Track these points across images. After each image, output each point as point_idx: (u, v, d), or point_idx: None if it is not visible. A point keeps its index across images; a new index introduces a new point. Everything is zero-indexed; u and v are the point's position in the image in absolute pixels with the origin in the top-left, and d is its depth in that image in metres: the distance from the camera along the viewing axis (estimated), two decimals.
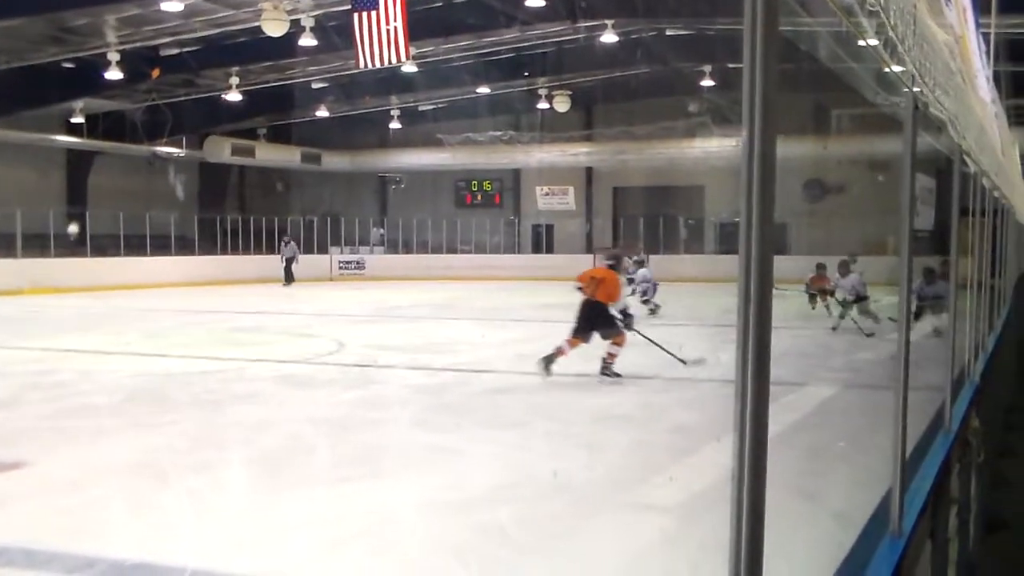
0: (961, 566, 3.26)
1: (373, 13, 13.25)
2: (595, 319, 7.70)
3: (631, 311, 7.90)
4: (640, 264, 14.59)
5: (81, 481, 4.70)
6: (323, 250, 27.34)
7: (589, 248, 26.39)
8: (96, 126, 22.79)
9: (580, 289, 7.91)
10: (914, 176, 2.33)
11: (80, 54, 17.83)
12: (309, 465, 5.15)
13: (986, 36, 6.17)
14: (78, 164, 23.77)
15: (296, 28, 15.52)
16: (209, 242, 25.38)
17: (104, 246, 22.22)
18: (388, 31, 13.31)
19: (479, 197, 29.62)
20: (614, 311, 7.70)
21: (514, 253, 28.24)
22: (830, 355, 10.01)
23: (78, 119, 22.10)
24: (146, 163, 24.52)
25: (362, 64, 13.90)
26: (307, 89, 22.47)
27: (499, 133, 25.87)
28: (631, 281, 13.61)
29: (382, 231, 29.49)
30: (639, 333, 7.85)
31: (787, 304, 12.68)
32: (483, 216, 28.59)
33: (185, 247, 24.42)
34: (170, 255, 23.46)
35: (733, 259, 1.11)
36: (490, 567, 3.55)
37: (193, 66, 19.17)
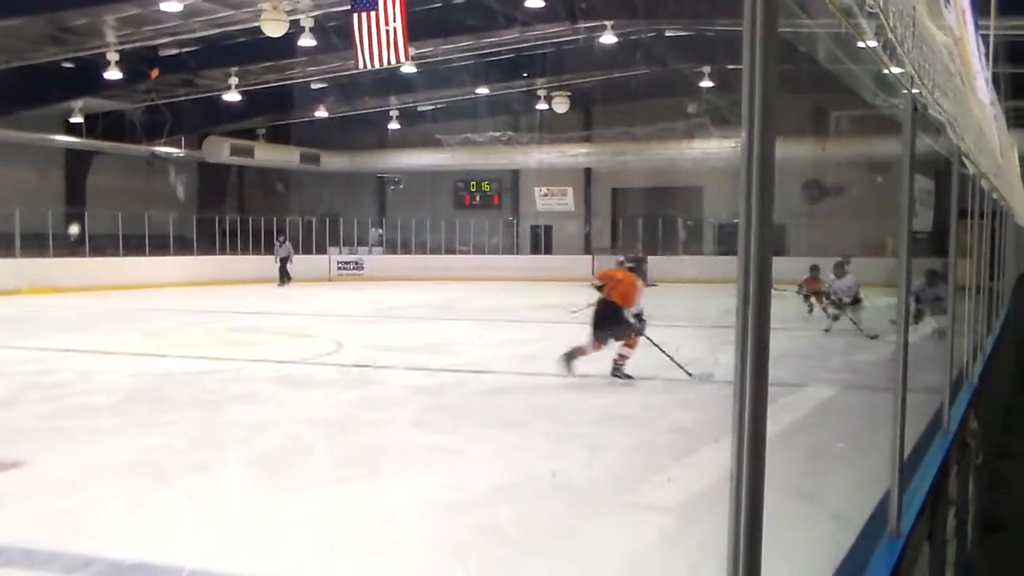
0: (959, 567, 3.27)
1: (372, 14, 13.25)
2: (607, 319, 7.72)
3: (645, 316, 7.84)
4: (622, 264, 14.52)
5: (80, 481, 4.69)
6: (322, 250, 27.33)
7: (588, 249, 26.40)
8: (95, 126, 22.78)
9: (598, 288, 7.91)
10: (913, 178, 2.33)
11: (79, 54, 17.83)
12: (308, 465, 5.15)
13: (985, 38, 6.18)
14: (77, 164, 23.76)
15: (295, 28, 15.52)
16: (208, 242, 25.37)
17: (103, 246, 22.21)
18: (387, 32, 13.31)
19: (478, 198, 29.62)
20: (628, 313, 7.69)
21: (513, 254, 28.24)
22: (829, 356, 10.01)
23: (77, 119, 22.09)
24: (145, 163, 24.50)
25: (361, 65, 13.90)
26: (306, 89, 22.46)
27: (498, 134, 25.87)
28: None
29: (381, 231, 29.49)
30: (649, 340, 7.79)
31: (786, 305, 12.68)
32: (482, 217, 28.59)
33: (184, 247, 24.41)
34: (169, 255, 23.45)
35: (732, 260, 1.12)
36: (489, 567, 3.55)
37: (192, 66, 19.17)
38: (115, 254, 22.28)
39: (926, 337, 7.25)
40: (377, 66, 14.09)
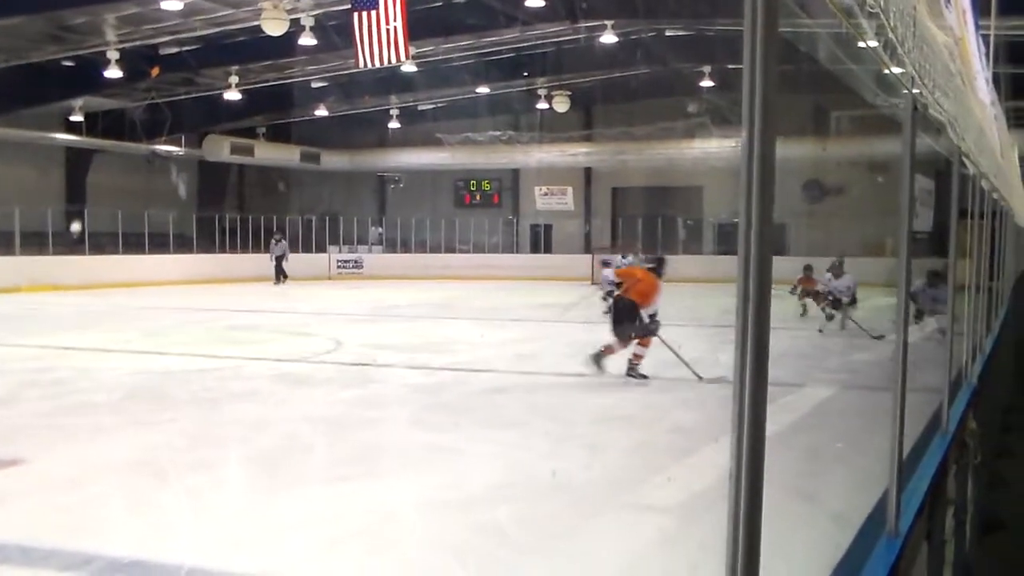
0: (957, 567, 3.27)
1: (373, 12, 13.24)
2: (623, 317, 7.73)
3: (659, 317, 7.83)
4: (606, 264, 14.51)
5: (79, 479, 4.69)
6: (321, 249, 27.33)
7: (588, 248, 26.39)
8: (95, 124, 22.77)
9: (617, 285, 7.92)
10: (913, 178, 2.33)
11: (80, 52, 17.81)
12: (307, 464, 5.15)
13: (986, 38, 6.18)
14: (77, 162, 23.75)
15: (296, 27, 15.51)
16: (208, 241, 25.37)
17: (103, 244, 22.20)
18: (388, 31, 13.31)
19: (478, 197, 29.61)
20: (644, 312, 7.69)
21: (513, 253, 28.23)
22: (828, 356, 10.01)
23: (77, 117, 22.08)
24: (145, 161, 24.49)
25: (362, 63, 13.89)
26: (306, 88, 22.45)
27: (498, 133, 25.86)
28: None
29: (381, 230, 29.49)
30: (662, 341, 7.76)
31: (785, 305, 12.69)
32: (482, 216, 28.59)
33: (184, 246, 24.40)
34: (169, 253, 23.44)
35: (732, 259, 1.12)
36: (489, 567, 3.56)
37: (192, 65, 19.17)
38: (115, 252, 22.28)
39: (925, 338, 7.25)
40: (377, 65, 14.08)
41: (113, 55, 17.39)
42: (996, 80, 7.61)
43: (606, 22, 17.78)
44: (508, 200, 29.44)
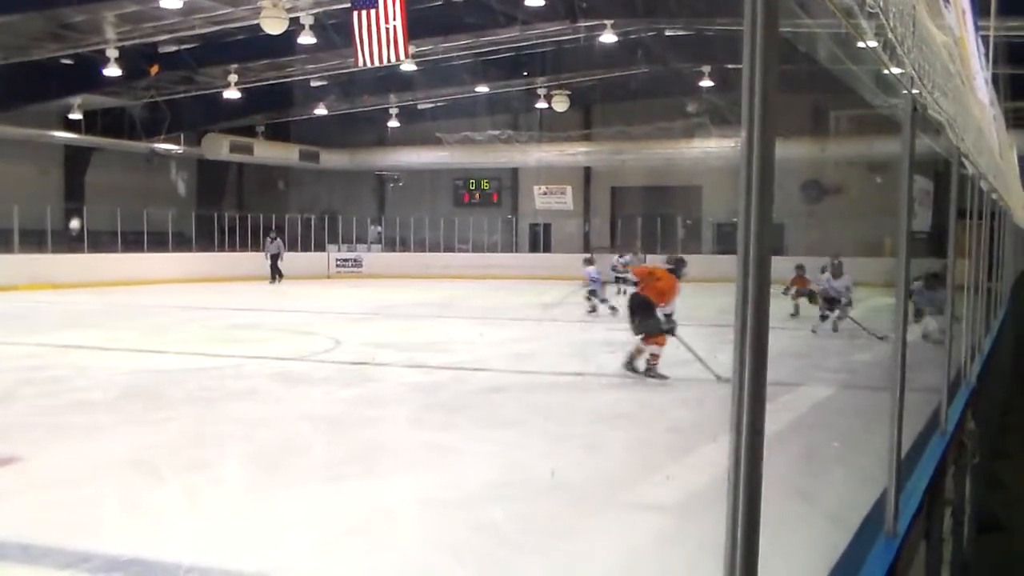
0: (955, 567, 3.27)
1: (372, 11, 13.24)
2: (635, 312, 7.75)
3: (675, 317, 7.82)
4: (589, 262, 14.48)
5: (76, 477, 4.69)
6: (320, 248, 27.32)
7: (587, 248, 26.38)
8: (95, 122, 22.76)
9: (635, 284, 7.92)
10: (912, 178, 2.33)
11: (79, 50, 17.80)
12: (305, 462, 5.15)
13: (985, 39, 6.19)
14: (76, 160, 23.73)
15: (295, 26, 15.50)
16: (207, 239, 25.35)
17: (101, 242, 22.19)
18: (387, 30, 13.31)
19: (477, 196, 29.61)
20: (660, 311, 7.69)
21: (512, 252, 28.24)
22: (826, 356, 10.02)
23: (77, 115, 22.07)
24: (144, 160, 24.48)
25: (361, 62, 13.90)
26: (306, 87, 22.44)
27: (497, 132, 25.86)
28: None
29: (380, 229, 29.48)
30: (681, 341, 7.72)
31: (784, 304, 12.71)
32: (481, 215, 28.59)
33: (183, 244, 24.39)
34: (168, 252, 23.43)
35: (730, 259, 1.12)
36: (487, 565, 3.56)
37: (192, 63, 19.15)
38: (114, 250, 22.26)
39: (916, 339, 7.26)
40: (377, 64, 14.09)
41: (112, 53, 17.38)
42: (995, 80, 7.62)
43: (605, 21, 17.78)
44: (507, 199, 29.44)
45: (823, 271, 12.06)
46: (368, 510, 4.21)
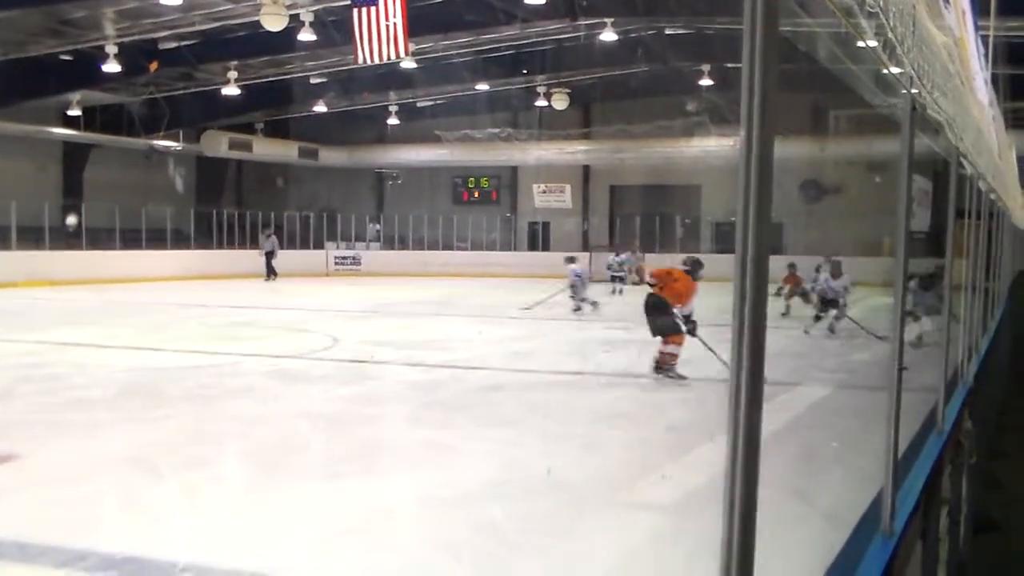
0: (951, 566, 3.28)
1: (372, 9, 13.24)
2: (650, 313, 7.76)
3: (694, 317, 7.82)
4: (572, 260, 14.55)
5: (74, 475, 4.69)
6: (319, 245, 27.30)
7: (585, 246, 26.38)
8: (93, 119, 22.72)
9: (651, 285, 7.93)
10: (911, 177, 2.33)
11: (78, 46, 17.77)
12: (304, 460, 5.15)
13: (985, 39, 6.18)
14: (75, 157, 23.69)
15: (295, 23, 15.48)
16: (205, 236, 25.33)
17: (100, 239, 22.16)
18: (387, 27, 13.30)
19: (476, 194, 29.59)
20: (679, 313, 7.69)
21: (511, 250, 28.23)
22: (824, 356, 10.02)
23: (75, 112, 22.04)
24: (143, 156, 24.44)
25: (361, 60, 13.89)
26: (305, 84, 22.42)
27: (497, 130, 25.85)
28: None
29: (379, 227, 29.46)
30: (702, 341, 7.65)
31: (775, 304, 12.70)
32: (480, 213, 28.57)
33: (181, 241, 24.36)
34: (166, 249, 23.40)
35: (729, 258, 1.12)
36: (485, 564, 3.56)
37: (191, 60, 19.12)
38: (112, 248, 22.23)
39: (911, 343, 7.26)
40: (377, 61, 14.08)
41: (112, 49, 17.35)
42: (995, 81, 7.61)
43: (606, 20, 17.77)
44: (506, 197, 29.42)
45: (817, 270, 12.02)
46: (367, 508, 4.21)
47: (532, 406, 6.75)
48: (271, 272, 23.21)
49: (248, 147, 26.64)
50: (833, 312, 11.35)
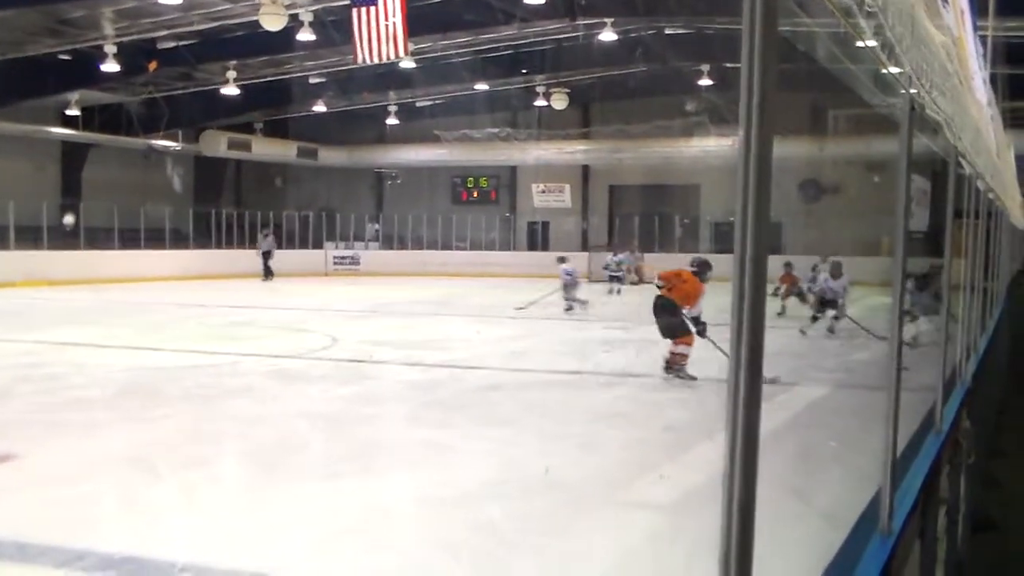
0: (949, 565, 3.28)
1: (372, 9, 13.24)
2: (659, 314, 7.77)
3: (703, 319, 7.82)
4: (563, 260, 14.56)
5: (73, 474, 4.68)
6: (318, 245, 27.29)
7: (585, 246, 26.40)
8: (92, 118, 22.70)
9: (660, 286, 7.93)
10: (909, 177, 2.34)
11: (77, 46, 17.76)
12: (302, 460, 5.15)
13: (983, 39, 6.19)
14: (73, 156, 23.67)
15: (294, 23, 15.49)
16: (204, 236, 25.31)
17: (98, 239, 22.14)
18: (387, 27, 13.30)
19: (475, 194, 29.60)
20: (687, 314, 7.70)
21: (510, 250, 28.24)
22: (823, 355, 10.03)
23: (74, 111, 22.02)
24: (142, 156, 24.43)
25: (360, 59, 13.89)
26: (304, 84, 22.42)
27: (496, 130, 25.85)
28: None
29: (377, 227, 29.45)
30: (712, 342, 7.55)
31: (771, 303, 12.68)
32: (479, 213, 28.57)
33: (180, 241, 24.35)
34: (165, 249, 23.39)
35: (728, 258, 1.12)
36: (483, 563, 3.56)
37: (190, 59, 19.12)
38: (111, 247, 22.22)
39: (907, 343, 7.24)
40: (376, 61, 14.09)
41: (110, 49, 17.35)
42: (993, 80, 7.62)
43: (605, 20, 17.78)
44: (505, 197, 29.43)
45: (814, 269, 12.00)
46: (365, 508, 4.21)
47: (530, 406, 6.75)
48: (268, 272, 23.19)
49: (247, 147, 26.63)
50: (832, 313, 11.32)
